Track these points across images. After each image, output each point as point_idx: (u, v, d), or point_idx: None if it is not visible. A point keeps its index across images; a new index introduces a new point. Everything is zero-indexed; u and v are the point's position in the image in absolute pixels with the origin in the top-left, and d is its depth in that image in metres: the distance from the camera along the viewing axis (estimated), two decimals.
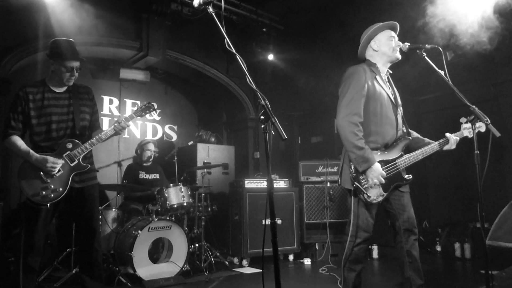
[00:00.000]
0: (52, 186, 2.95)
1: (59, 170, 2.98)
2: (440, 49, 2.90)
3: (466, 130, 3.03)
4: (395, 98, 3.05)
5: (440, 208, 6.39)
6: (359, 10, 5.79)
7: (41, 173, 2.94)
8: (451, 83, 2.83)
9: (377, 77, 2.97)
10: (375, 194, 2.81)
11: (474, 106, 2.78)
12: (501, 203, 4.22)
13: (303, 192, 5.87)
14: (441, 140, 3.02)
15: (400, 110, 3.09)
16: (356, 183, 2.79)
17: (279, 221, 5.54)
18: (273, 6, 6.83)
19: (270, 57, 7.08)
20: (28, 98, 3.03)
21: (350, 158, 2.81)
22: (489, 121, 2.69)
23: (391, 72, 3.13)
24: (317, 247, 5.71)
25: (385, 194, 2.85)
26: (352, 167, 2.81)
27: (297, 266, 5.35)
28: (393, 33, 3.03)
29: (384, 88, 2.98)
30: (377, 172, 2.75)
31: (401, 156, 2.92)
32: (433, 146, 2.99)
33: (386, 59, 3.02)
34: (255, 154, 7.32)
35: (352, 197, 2.87)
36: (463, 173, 5.75)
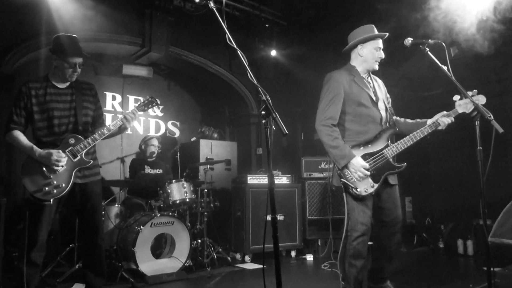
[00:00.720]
0: (55, 182, 2.95)
1: (62, 165, 2.99)
2: (443, 44, 2.90)
3: (460, 107, 3.02)
4: (376, 94, 3.12)
5: (443, 205, 6.37)
6: (363, 5, 5.77)
7: (44, 168, 2.94)
8: (454, 78, 2.82)
9: (355, 79, 3.07)
10: (364, 187, 2.90)
11: (477, 102, 2.77)
12: (505, 199, 4.20)
13: (306, 188, 5.86)
14: (432, 124, 3.05)
15: (384, 104, 3.16)
16: (342, 179, 2.91)
17: (281, 217, 5.54)
18: (276, 1, 6.81)
19: (273, 53, 7.08)
20: (30, 94, 3.04)
21: (330, 158, 2.97)
22: (492, 117, 2.68)
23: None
24: (319, 243, 5.71)
25: (377, 184, 2.92)
26: (336, 165, 2.95)
27: (300, 262, 5.36)
28: (380, 44, 3.12)
29: (363, 88, 3.06)
30: (357, 165, 2.86)
31: (387, 146, 2.99)
32: (422, 130, 3.02)
33: (366, 67, 3.14)
34: (258, 150, 7.33)
35: (344, 192, 2.97)
36: (466, 170, 5.72)
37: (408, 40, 3.00)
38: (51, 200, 2.93)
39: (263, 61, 7.22)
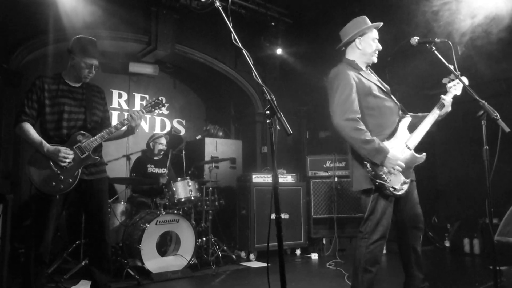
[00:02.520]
0: (62, 177, 2.98)
1: (69, 162, 3.02)
2: (450, 43, 2.87)
3: (452, 89, 3.00)
4: (383, 85, 3.00)
5: (449, 204, 6.34)
6: (369, 3, 5.74)
7: (51, 163, 2.96)
8: (460, 77, 2.81)
9: (361, 72, 2.92)
10: (399, 184, 2.71)
11: (483, 101, 2.75)
12: (511, 198, 4.17)
13: (311, 187, 5.86)
14: (438, 104, 2.97)
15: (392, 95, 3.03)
16: (378, 180, 2.66)
17: (286, 216, 5.54)
18: None
19: (279, 51, 7.06)
20: (44, 87, 3.10)
21: (362, 155, 2.70)
22: (498, 116, 2.65)
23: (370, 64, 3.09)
24: (324, 242, 5.71)
25: (408, 180, 2.78)
26: (368, 165, 2.68)
27: (304, 261, 5.36)
28: (377, 35, 3.00)
29: (371, 80, 2.92)
30: (394, 158, 2.65)
31: (407, 137, 2.85)
32: (433, 113, 2.92)
33: (365, 60, 2.98)
34: (263, 149, 7.32)
35: (372, 194, 2.73)
36: (473, 169, 5.70)
37: (415, 39, 2.95)
38: (57, 195, 2.96)
39: (269, 59, 7.21)
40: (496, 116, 2.66)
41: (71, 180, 3.01)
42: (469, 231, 5.65)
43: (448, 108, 2.96)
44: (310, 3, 6.62)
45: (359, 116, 2.75)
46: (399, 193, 2.72)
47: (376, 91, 2.88)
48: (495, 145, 2.67)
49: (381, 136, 2.79)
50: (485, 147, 2.70)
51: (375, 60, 3.00)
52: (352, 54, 3.01)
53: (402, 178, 2.74)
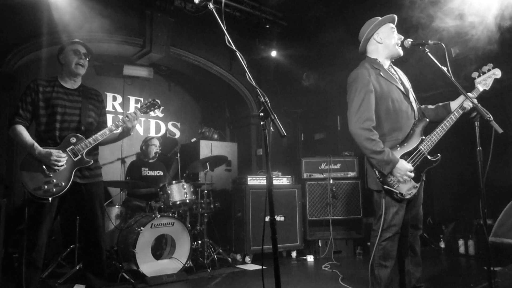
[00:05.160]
0: (55, 181, 2.96)
1: (62, 165, 2.99)
2: (443, 45, 2.88)
3: (480, 84, 2.96)
4: (404, 86, 2.97)
5: (444, 205, 6.36)
6: (363, 6, 5.76)
7: (44, 167, 2.94)
8: (453, 79, 2.82)
9: (381, 72, 2.90)
10: (407, 189, 2.76)
11: (476, 102, 2.77)
12: (505, 199, 4.20)
13: (306, 189, 5.86)
14: (458, 107, 2.92)
15: (412, 95, 3.02)
16: (385, 186, 2.75)
17: (281, 218, 5.54)
18: (276, 2, 6.81)
19: (273, 53, 7.07)
20: (38, 90, 3.11)
21: (372, 164, 2.78)
22: (491, 117, 2.67)
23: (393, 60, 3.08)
24: (320, 244, 5.71)
25: (418, 184, 2.81)
26: (377, 172, 2.77)
27: (300, 263, 5.36)
28: (393, 25, 2.99)
29: (392, 81, 2.91)
30: (403, 169, 2.71)
31: (422, 141, 2.85)
32: (451, 117, 2.88)
33: (388, 53, 2.97)
34: (258, 151, 7.32)
35: (383, 196, 2.81)
36: (467, 169, 5.72)
37: (408, 41, 2.95)
38: (50, 198, 2.93)
39: (263, 61, 7.22)
40: (489, 117, 2.67)
41: (63, 184, 2.99)
42: (464, 232, 5.67)
43: (469, 105, 2.88)
44: (304, 6, 6.63)
45: (374, 124, 2.78)
46: (406, 197, 2.76)
47: (395, 95, 2.88)
48: (489, 146, 2.68)
49: (394, 141, 2.84)
50: (478, 148, 2.72)
51: (401, 52, 2.98)
52: (374, 51, 3.01)
53: (411, 184, 2.78)
